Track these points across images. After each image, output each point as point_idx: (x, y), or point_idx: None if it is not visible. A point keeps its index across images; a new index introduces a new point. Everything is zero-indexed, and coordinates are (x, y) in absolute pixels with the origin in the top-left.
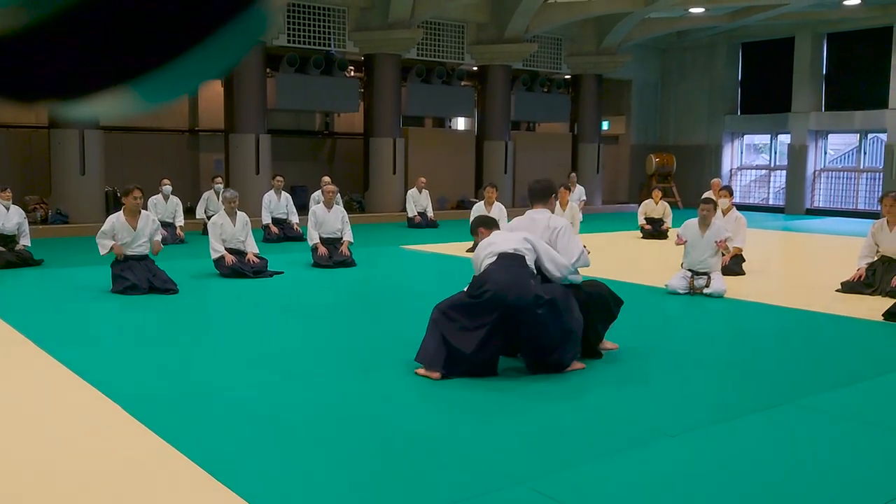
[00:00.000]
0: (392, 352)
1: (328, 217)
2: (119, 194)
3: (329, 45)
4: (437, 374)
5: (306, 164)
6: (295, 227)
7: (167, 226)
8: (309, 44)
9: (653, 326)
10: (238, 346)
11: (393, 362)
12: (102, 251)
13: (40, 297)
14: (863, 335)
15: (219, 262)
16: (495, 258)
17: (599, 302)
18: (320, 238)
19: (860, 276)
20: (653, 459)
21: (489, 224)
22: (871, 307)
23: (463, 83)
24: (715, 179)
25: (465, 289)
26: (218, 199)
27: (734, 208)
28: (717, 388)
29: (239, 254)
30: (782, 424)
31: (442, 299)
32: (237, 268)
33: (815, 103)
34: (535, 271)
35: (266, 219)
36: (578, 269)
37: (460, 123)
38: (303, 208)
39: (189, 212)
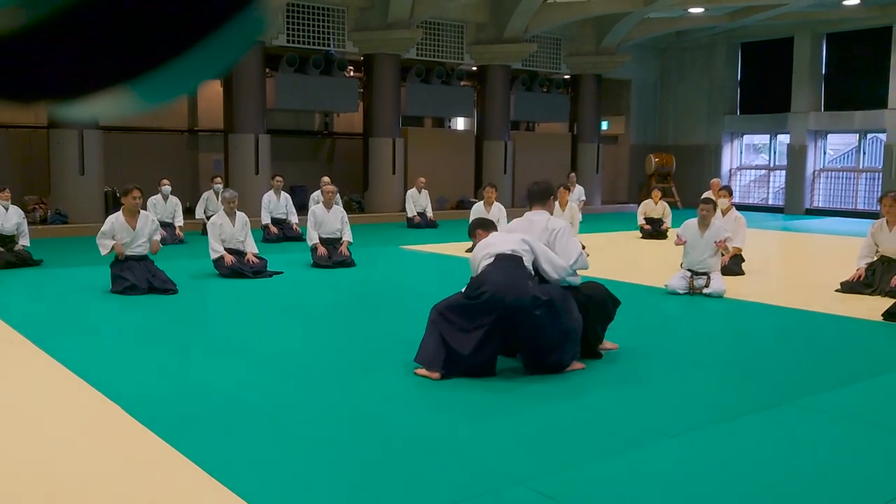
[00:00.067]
0: (391, 352)
1: (327, 217)
2: (118, 194)
3: (328, 45)
4: (436, 375)
5: (306, 164)
6: (294, 227)
7: (166, 226)
8: (308, 44)
9: (652, 326)
10: (238, 346)
11: (392, 362)
12: (103, 251)
13: (40, 298)
14: (862, 335)
15: (218, 262)
16: (493, 259)
17: (598, 303)
18: (320, 238)
19: (860, 276)
20: (652, 460)
21: (487, 226)
22: (871, 307)
23: (462, 83)
24: (714, 179)
25: (463, 290)
26: (217, 199)
27: (734, 208)
28: (717, 388)
29: (238, 254)
30: (782, 424)
31: (441, 299)
32: (236, 268)
33: (815, 103)
34: (532, 272)
35: (265, 219)
36: (577, 271)
37: (460, 123)
38: (302, 208)
39: (188, 212)
